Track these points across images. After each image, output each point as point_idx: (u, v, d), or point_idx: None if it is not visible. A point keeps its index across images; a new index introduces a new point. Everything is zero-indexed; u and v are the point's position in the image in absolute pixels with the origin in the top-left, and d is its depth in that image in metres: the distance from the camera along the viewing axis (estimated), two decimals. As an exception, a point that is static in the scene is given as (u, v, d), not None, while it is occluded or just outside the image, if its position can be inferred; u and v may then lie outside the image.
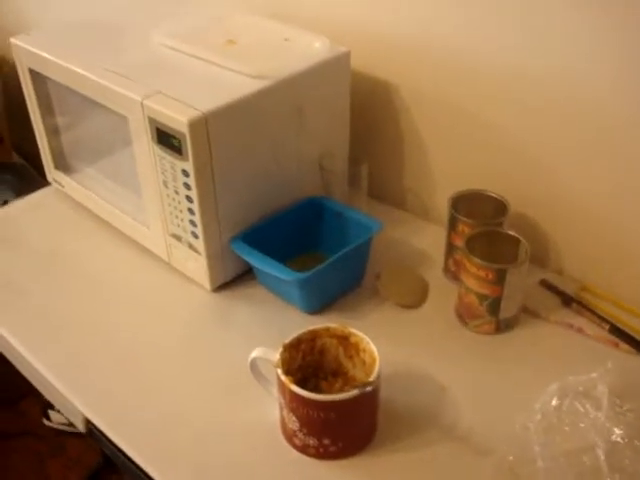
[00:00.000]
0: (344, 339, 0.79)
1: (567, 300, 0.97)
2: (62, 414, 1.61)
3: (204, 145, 0.87)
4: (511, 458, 0.76)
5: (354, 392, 0.70)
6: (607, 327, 0.93)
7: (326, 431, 0.73)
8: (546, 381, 0.82)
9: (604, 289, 0.98)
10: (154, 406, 0.83)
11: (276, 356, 0.74)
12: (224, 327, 0.95)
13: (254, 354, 0.77)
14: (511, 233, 0.92)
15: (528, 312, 0.95)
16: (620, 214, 0.94)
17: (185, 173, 0.89)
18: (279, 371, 0.72)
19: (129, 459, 0.78)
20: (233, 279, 1.02)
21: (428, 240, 1.10)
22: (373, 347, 0.76)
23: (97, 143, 1.09)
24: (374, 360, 0.75)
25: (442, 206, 1.13)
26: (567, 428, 0.79)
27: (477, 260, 0.87)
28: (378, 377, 0.72)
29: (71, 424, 1.67)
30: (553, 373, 0.83)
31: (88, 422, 0.83)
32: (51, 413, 1.76)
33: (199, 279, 1.00)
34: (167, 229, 1.00)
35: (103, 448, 0.83)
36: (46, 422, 1.77)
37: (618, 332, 0.92)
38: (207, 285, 0.99)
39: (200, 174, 0.89)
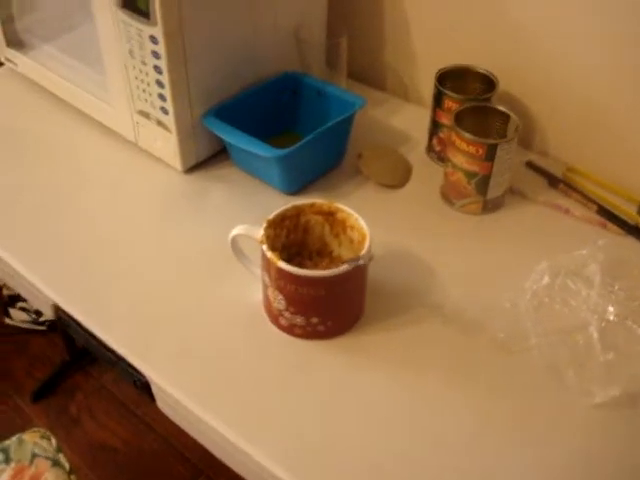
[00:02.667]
0: (330, 216, 0.75)
1: (554, 181, 0.94)
2: (28, 306, 1.56)
3: (174, 7, 0.79)
4: (502, 335, 0.74)
5: (344, 267, 0.66)
6: (594, 208, 0.90)
7: (315, 309, 0.69)
8: (535, 261, 0.80)
9: (590, 170, 0.95)
10: (129, 291, 0.78)
11: (260, 232, 0.69)
12: (199, 209, 0.89)
13: (236, 231, 0.72)
14: (501, 108, 0.87)
15: (514, 193, 0.92)
16: (607, 95, 0.90)
17: (153, 40, 0.81)
18: (264, 247, 0.68)
19: (105, 347, 0.73)
20: (206, 160, 0.96)
21: (409, 120, 1.05)
22: (362, 223, 0.71)
23: (54, 16, 0.99)
24: (364, 236, 0.71)
25: (423, 85, 1.08)
26: (559, 306, 0.77)
27: (467, 135, 0.82)
28: (369, 252, 0.68)
29: (34, 321, 1.62)
30: (541, 253, 0.81)
31: (57, 309, 0.78)
32: (12, 311, 1.70)
33: (169, 159, 0.94)
34: (134, 106, 0.92)
35: (75, 337, 0.78)
36: (7, 320, 1.71)
37: (606, 213, 0.90)
38: (178, 166, 0.93)
39: (170, 41, 0.81)
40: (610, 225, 0.88)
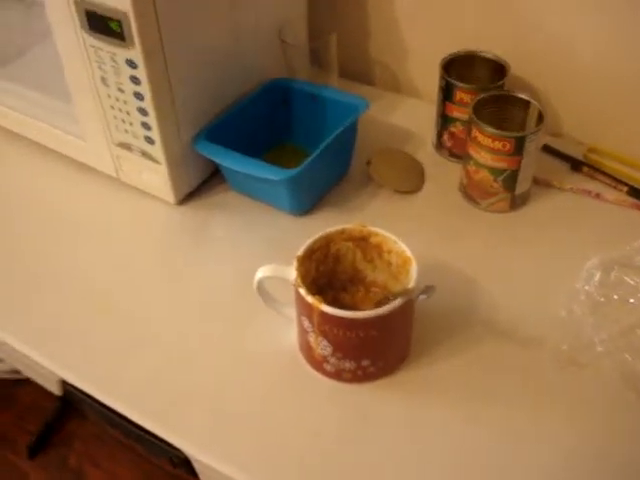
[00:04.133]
0: (362, 241, 0.66)
1: (576, 164, 0.88)
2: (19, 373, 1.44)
3: (152, 25, 0.70)
4: (565, 347, 0.67)
5: (398, 301, 0.58)
6: (625, 189, 0.84)
7: (366, 351, 0.61)
8: (579, 256, 0.74)
9: (612, 149, 0.89)
10: (145, 355, 0.68)
11: (292, 273, 0.61)
12: (203, 245, 0.80)
13: (261, 273, 0.63)
14: (522, 96, 0.80)
15: (538, 182, 0.85)
16: (620, 69, 0.84)
17: (131, 64, 0.72)
18: (302, 291, 0.59)
19: (129, 422, 0.64)
20: (197, 188, 0.86)
21: (408, 116, 0.97)
22: (403, 246, 0.64)
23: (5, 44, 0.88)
24: (406, 260, 0.63)
25: (417, 76, 1.01)
26: (617, 305, 0.71)
27: (492, 130, 0.75)
28: (418, 282, 0.61)
29: (17, 371, 1.50)
30: (584, 246, 0.75)
31: (66, 385, 0.68)
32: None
33: (159, 192, 0.85)
34: (112, 138, 0.83)
35: (92, 415, 0.69)
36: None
37: (639, 193, 0.83)
38: (171, 198, 0.84)
39: (151, 63, 0.72)
40: (646, 205, 0.82)
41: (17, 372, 1.51)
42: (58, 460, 1.41)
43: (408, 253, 0.63)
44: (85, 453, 1.41)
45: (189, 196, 0.85)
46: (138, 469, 1.36)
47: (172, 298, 0.74)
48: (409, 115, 0.97)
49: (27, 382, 1.48)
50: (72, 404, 0.71)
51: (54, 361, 0.68)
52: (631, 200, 0.83)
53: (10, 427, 1.46)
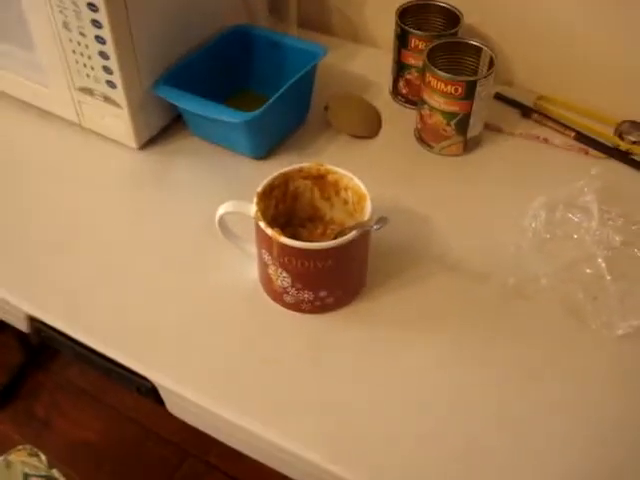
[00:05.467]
0: (320, 179, 0.69)
1: (526, 111, 0.91)
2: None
3: (113, -32, 0.71)
4: (512, 280, 0.71)
5: (353, 233, 0.61)
6: (572, 135, 0.88)
7: (323, 282, 0.64)
8: (527, 196, 0.78)
9: (561, 97, 0.92)
10: (112, 292, 0.70)
11: (252, 208, 0.64)
12: (165, 188, 0.82)
13: (223, 209, 0.66)
14: (474, 42, 0.83)
15: (489, 129, 0.88)
16: (571, 19, 0.87)
17: (92, 7, 0.73)
18: (262, 224, 0.62)
19: (97, 354, 0.67)
20: (159, 133, 0.88)
21: (366, 64, 0.99)
22: (358, 182, 0.67)
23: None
24: (361, 197, 0.66)
25: (375, 25, 1.02)
26: (561, 242, 0.75)
27: (444, 74, 0.78)
28: (373, 214, 0.64)
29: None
30: (532, 187, 0.79)
31: (34, 321, 0.70)
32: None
33: (121, 137, 0.86)
34: (73, 83, 0.83)
35: (60, 349, 0.71)
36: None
37: (584, 138, 0.87)
38: (132, 143, 0.85)
39: (111, 5, 0.73)
40: (591, 150, 0.86)
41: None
42: (25, 411, 1.43)
43: (363, 189, 0.66)
44: (51, 403, 1.43)
45: (151, 141, 0.87)
46: (103, 417, 1.39)
47: (136, 238, 0.76)
48: (367, 63, 0.99)
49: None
50: (42, 344, 0.73)
51: (22, 297, 0.70)
52: (578, 144, 0.87)
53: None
